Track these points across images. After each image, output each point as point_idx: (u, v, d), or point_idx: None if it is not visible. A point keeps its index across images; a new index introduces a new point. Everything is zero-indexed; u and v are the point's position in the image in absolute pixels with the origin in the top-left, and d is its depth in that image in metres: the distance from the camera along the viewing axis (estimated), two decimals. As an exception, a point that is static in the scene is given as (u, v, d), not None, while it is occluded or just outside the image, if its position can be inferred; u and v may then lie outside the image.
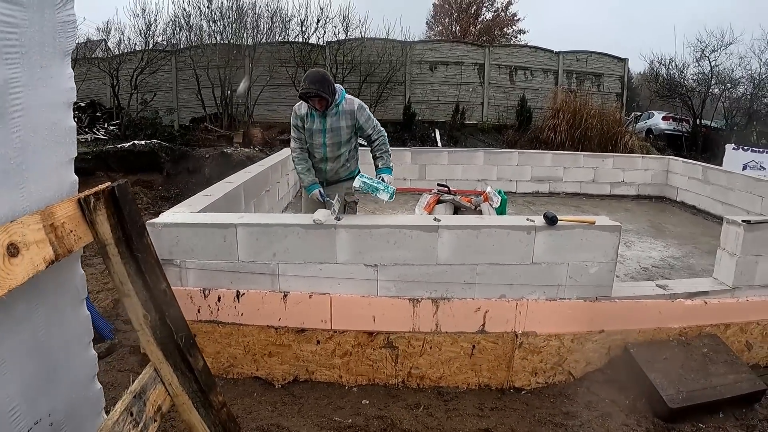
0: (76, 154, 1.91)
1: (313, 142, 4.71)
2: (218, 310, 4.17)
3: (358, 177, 4.45)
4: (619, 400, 4.14)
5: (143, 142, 12.76)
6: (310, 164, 4.81)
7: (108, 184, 1.84)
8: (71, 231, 1.69)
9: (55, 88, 1.77)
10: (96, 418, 2.10)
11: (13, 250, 1.43)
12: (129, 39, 17.85)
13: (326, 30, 18.80)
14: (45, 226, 1.58)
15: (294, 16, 19.54)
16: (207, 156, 12.43)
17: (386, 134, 4.84)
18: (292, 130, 4.81)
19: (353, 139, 4.81)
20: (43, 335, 1.77)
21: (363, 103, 4.73)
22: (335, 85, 4.53)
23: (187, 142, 14.90)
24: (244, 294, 4.13)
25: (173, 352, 1.98)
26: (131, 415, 1.78)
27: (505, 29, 35.56)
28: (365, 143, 4.88)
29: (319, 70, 4.51)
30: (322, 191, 4.71)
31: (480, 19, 35.78)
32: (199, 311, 4.16)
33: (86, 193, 1.76)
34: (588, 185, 11.64)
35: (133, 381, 1.94)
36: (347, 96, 4.65)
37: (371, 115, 4.74)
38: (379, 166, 4.77)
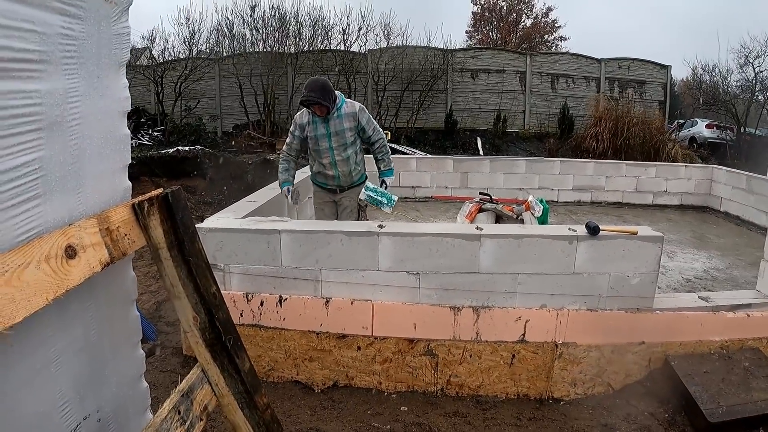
0: (130, 161, 1.97)
1: (320, 148, 4.87)
2: (261, 314, 4.23)
3: (363, 190, 4.69)
4: (657, 414, 4.08)
5: (187, 148, 12.92)
6: (292, 166, 5.09)
7: (161, 190, 1.89)
8: (126, 235, 1.74)
9: (110, 97, 1.82)
10: (141, 415, 2.15)
11: (70, 252, 1.48)
12: (173, 47, 18.30)
13: (368, 38, 18.97)
14: (101, 229, 1.62)
15: (336, 25, 19.63)
16: (250, 162, 12.56)
17: (385, 136, 5.06)
18: (288, 136, 5.04)
19: (358, 141, 4.96)
20: (94, 334, 1.82)
21: (363, 106, 4.92)
22: (335, 92, 4.72)
23: (230, 149, 15.09)
24: (286, 299, 4.19)
25: (221, 353, 2.02)
26: (179, 413, 1.82)
27: (545, 36, 35.31)
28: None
29: (319, 78, 4.69)
30: (290, 188, 5.00)
31: (520, 26, 35.58)
32: (241, 315, 4.22)
33: (140, 198, 1.81)
34: (630, 194, 11.43)
35: (180, 381, 1.98)
36: (347, 100, 4.85)
37: (371, 117, 4.93)
38: (382, 169, 5.05)
